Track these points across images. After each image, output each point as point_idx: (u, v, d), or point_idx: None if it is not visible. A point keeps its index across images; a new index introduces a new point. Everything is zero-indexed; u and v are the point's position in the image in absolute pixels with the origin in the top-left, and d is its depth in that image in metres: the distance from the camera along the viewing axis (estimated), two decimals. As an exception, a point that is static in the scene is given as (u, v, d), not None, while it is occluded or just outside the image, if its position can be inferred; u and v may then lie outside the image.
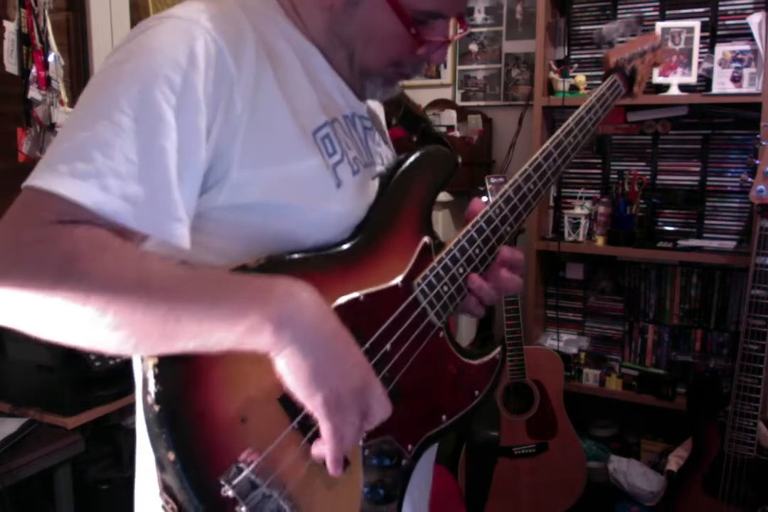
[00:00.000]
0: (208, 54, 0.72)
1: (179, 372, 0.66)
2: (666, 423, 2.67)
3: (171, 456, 0.64)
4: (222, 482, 0.66)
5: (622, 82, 1.19)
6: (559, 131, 1.05)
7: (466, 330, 3.01)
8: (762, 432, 2.03)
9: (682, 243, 2.58)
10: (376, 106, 1.03)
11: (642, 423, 2.78)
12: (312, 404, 0.68)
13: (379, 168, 0.92)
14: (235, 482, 0.66)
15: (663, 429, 2.72)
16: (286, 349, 0.66)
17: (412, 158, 0.90)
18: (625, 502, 2.57)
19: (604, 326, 2.86)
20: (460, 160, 0.96)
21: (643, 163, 2.73)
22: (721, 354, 2.63)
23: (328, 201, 0.80)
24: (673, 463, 2.25)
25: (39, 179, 0.65)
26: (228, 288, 0.67)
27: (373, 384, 0.72)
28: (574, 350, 2.79)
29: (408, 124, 1.01)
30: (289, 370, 0.67)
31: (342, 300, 0.78)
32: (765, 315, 2.00)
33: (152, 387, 0.65)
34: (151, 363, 0.65)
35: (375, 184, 0.88)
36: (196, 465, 0.65)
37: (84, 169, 0.65)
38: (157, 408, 0.64)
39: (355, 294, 0.79)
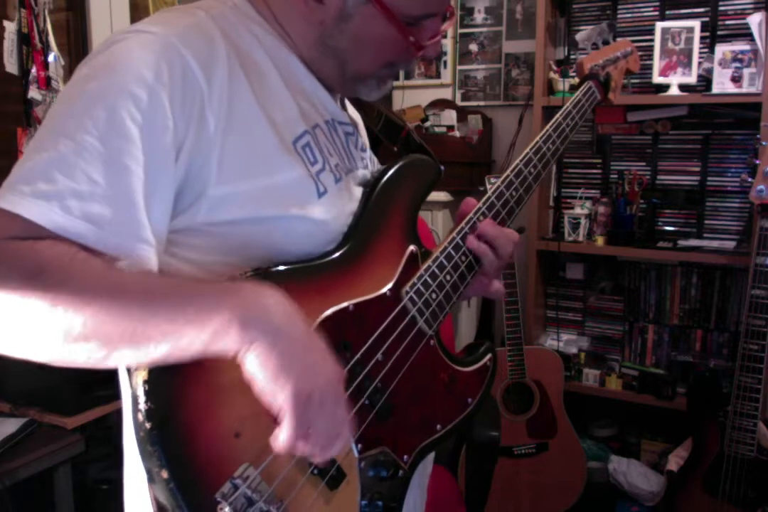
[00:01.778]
0: (176, 71, 0.71)
1: (170, 388, 0.65)
2: (666, 423, 2.67)
3: (164, 474, 0.62)
4: (218, 499, 0.64)
5: (597, 89, 1.21)
6: (537, 138, 1.07)
7: (466, 330, 3.01)
8: (762, 432, 2.03)
9: (682, 243, 2.58)
10: (357, 118, 1.02)
11: (642, 423, 2.78)
12: (280, 398, 0.65)
13: (362, 172, 0.91)
14: (231, 499, 0.65)
15: (663, 429, 2.72)
16: (252, 345, 0.65)
17: (395, 167, 0.90)
18: (625, 502, 2.57)
19: (604, 326, 2.86)
20: (443, 168, 0.97)
21: (643, 163, 2.73)
22: (721, 354, 2.63)
23: (312, 210, 0.79)
24: (673, 463, 2.25)
25: (2, 200, 0.64)
26: (195, 291, 0.67)
27: (341, 389, 0.70)
28: (574, 350, 2.79)
29: (389, 134, 1.00)
30: (257, 366, 0.65)
31: (331, 310, 0.77)
32: (765, 315, 2.00)
33: (143, 405, 0.63)
34: (140, 379, 0.64)
35: (358, 191, 0.88)
36: (191, 482, 0.64)
37: (45, 190, 0.64)
38: (148, 425, 0.63)
39: (344, 304, 0.78)
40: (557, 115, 1.11)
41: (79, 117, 0.67)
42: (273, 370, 0.65)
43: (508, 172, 1.01)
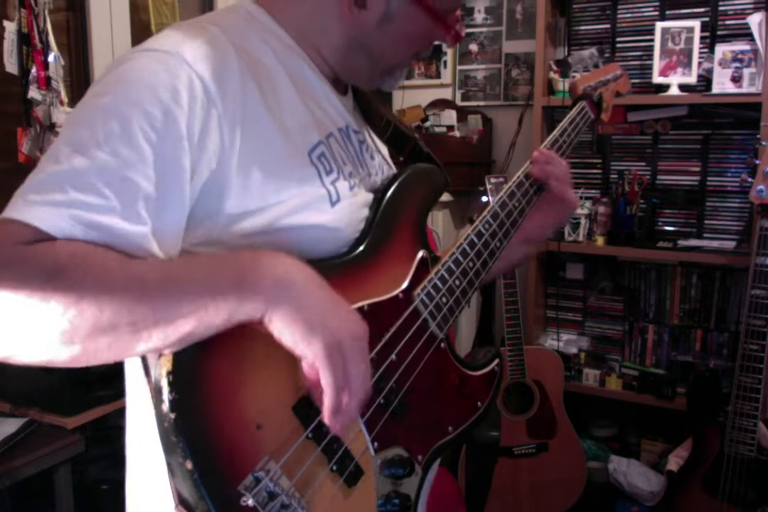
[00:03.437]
0: (190, 90, 0.71)
1: (193, 380, 0.66)
2: (666, 423, 2.68)
3: (189, 464, 0.63)
4: (242, 491, 0.65)
5: (590, 108, 1.25)
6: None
7: (466, 330, 3.01)
8: (762, 432, 2.03)
9: (682, 243, 2.58)
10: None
11: (642, 423, 2.78)
12: (312, 352, 0.67)
13: (373, 179, 0.93)
14: (254, 491, 0.65)
15: (663, 429, 2.72)
16: (279, 308, 0.67)
17: (404, 175, 0.93)
18: (625, 502, 2.57)
19: (604, 326, 2.86)
20: (449, 179, 0.99)
21: (643, 163, 2.73)
22: (721, 354, 2.63)
23: (326, 218, 0.80)
24: (673, 463, 2.25)
25: (12, 210, 0.65)
26: (216, 263, 0.69)
27: (366, 338, 0.72)
28: (574, 350, 2.79)
29: (396, 144, 1.02)
30: (285, 326, 0.67)
31: None
32: (765, 315, 2.00)
33: (166, 396, 0.64)
34: (164, 370, 0.65)
35: (370, 197, 0.89)
36: (214, 473, 0.64)
37: (55, 200, 0.64)
38: (173, 416, 0.63)
39: (358, 304, 0.79)
40: (554, 132, 1.15)
41: (93, 132, 0.68)
42: (301, 329, 0.67)
43: (509, 183, 1.04)
